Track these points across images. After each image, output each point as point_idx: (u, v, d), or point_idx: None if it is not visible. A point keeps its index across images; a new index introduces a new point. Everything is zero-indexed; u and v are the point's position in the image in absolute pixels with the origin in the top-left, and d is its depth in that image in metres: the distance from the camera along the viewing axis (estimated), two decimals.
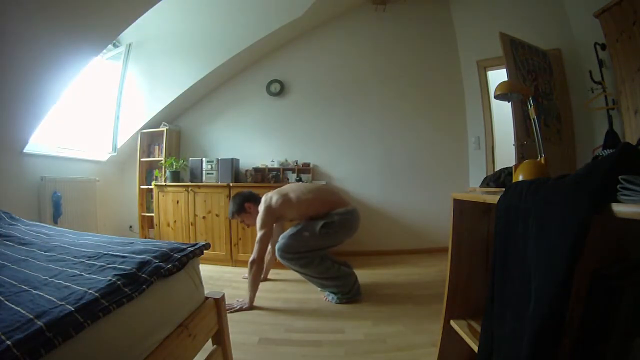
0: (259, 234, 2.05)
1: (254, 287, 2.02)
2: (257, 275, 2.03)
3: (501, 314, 0.81)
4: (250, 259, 2.02)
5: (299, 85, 3.56)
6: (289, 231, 2.11)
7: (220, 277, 2.64)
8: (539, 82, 2.48)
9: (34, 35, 1.93)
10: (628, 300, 0.67)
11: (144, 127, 3.52)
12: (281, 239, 2.09)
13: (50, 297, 0.74)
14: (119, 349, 0.78)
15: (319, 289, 2.21)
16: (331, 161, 3.49)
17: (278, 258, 2.10)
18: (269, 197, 2.14)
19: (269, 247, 2.38)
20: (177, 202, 3.14)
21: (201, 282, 1.21)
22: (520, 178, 1.04)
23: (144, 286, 0.88)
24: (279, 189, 2.26)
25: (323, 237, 2.03)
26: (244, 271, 2.71)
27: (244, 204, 2.23)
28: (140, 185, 3.51)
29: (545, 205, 0.68)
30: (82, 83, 2.93)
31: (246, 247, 2.98)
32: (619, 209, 0.53)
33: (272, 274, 2.62)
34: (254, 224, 2.15)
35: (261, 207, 2.11)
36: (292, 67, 3.56)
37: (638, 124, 1.93)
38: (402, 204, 3.43)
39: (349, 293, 2.09)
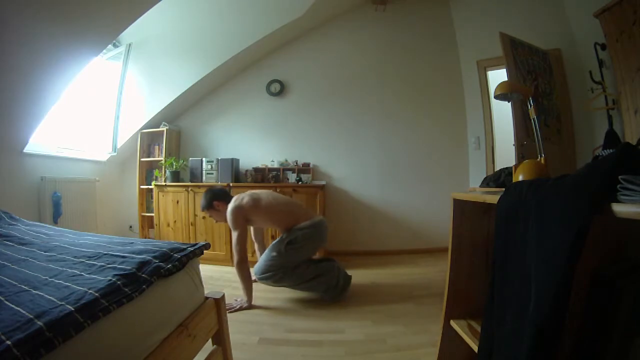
0: (234, 235, 2.06)
1: (247, 287, 2.03)
2: (247, 275, 2.03)
3: (501, 314, 0.81)
4: (235, 262, 2.03)
5: (299, 86, 3.56)
6: (262, 256, 2.15)
7: (220, 277, 2.64)
8: (539, 82, 2.48)
9: (34, 35, 1.93)
10: (628, 300, 0.67)
11: (144, 127, 3.52)
12: (256, 264, 2.13)
13: (50, 297, 0.74)
14: (119, 349, 0.78)
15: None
16: (331, 161, 3.49)
17: (257, 280, 2.13)
18: (241, 198, 2.17)
19: (256, 244, 2.49)
20: (177, 202, 3.14)
21: (201, 282, 1.21)
22: (520, 178, 1.04)
23: (144, 286, 0.88)
24: (252, 191, 2.27)
25: (290, 254, 2.05)
26: None
27: (213, 201, 2.23)
28: (140, 185, 3.51)
29: (545, 205, 0.68)
30: (82, 83, 2.93)
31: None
32: (619, 209, 0.53)
33: None
34: (222, 221, 2.21)
35: (231, 206, 2.11)
36: (292, 67, 3.56)
37: (638, 124, 1.93)
38: (402, 204, 3.43)
39: (337, 285, 2.10)
